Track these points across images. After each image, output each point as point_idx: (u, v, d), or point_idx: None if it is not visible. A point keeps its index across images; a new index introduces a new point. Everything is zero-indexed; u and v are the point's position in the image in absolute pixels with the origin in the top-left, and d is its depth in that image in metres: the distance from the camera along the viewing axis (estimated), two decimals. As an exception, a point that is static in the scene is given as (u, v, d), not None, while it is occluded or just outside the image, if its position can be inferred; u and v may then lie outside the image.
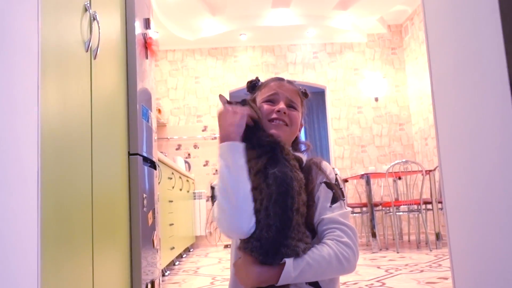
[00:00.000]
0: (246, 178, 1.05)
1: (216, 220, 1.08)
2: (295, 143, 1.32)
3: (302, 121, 1.32)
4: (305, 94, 1.33)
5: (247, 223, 1.02)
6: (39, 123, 1.05)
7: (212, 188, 1.48)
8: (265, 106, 1.24)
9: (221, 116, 1.15)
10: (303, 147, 1.33)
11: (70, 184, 1.29)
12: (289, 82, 1.31)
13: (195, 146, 6.11)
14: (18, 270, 0.91)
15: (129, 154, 2.06)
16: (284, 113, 1.22)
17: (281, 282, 1.01)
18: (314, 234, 1.12)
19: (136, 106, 2.10)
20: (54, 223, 1.14)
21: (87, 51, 1.50)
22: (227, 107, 1.15)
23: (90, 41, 1.51)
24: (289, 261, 1.01)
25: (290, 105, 1.25)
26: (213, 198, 1.49)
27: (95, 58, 1.58)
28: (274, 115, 1.22)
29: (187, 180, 4.98)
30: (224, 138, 1.11)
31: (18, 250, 0.92)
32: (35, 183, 1.00)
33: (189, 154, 6.08)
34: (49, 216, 1.09)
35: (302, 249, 1.03)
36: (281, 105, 1.23)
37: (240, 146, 1.09)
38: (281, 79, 1.31)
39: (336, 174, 1.21)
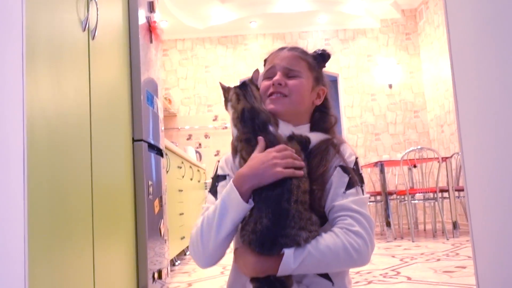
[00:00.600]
0: (231, 237, 1.01)
1: (190, 239, 1.05)
2: (319, 118, 1.16)
3: (322, 87, 1.16)
4: (319, 56, 1.17)
5: (208, 265, 1.04)
6: (25, 106, 0.98)
7: (217, 168, 1.40)
8: (264, 83, 1.14)
9: (262, 157, 0.98)
10: (331, 120, 1.17)
11: (65, 172, 1.23)
12: (292, 48, 1.16)
13: (206, 136, 6.06)
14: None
15: (134, 140, 2.00)
16: (280, 84, 1.09)
17: (280, 273, 0.94)
18: (325, 220, 1.04)
19: (140, 91, 2.03)
20: (45, 213, 1.09)
21: (84, 30, 1.43)
22: (274, 154, 0.98)
23: (87, 20, 1.44)
24: (288, 252, 0.93)
25: (289, 74, 1.11)
26: (214, 178, 1.38)
27: (93, 39, 1.51)
28: (271, 90, 1.11)
29: (198, 170, 4.93)
30: (243, 182, 0.97)
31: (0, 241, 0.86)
32: (20, 171, 0.94)
33: (200, 144, 6.03)
34: (38, 205, 1.03)
35: (304, 238, 0.94)
36: (276, 77, 1.11)
37: (248, 208, 0.98)
38: (281, 49, 1.18)
39: (356, 158, 1.10)
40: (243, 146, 1.04)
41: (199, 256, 1.02)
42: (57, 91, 1.20)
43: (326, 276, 1.01)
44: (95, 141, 1.49)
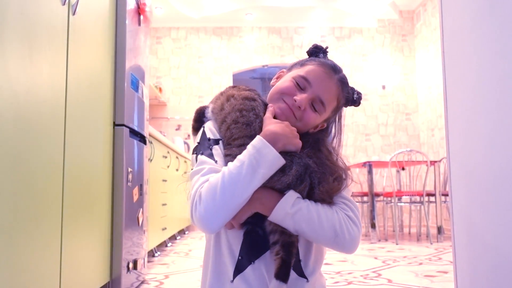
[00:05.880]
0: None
1: (202, 198, 0.91)
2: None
3: (324, 124, 1.11)
4: (350, 102, 1.11)
5: (221, 225, 0.91)
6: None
7: (199, 113, 1.14)
8: (289, 83, 1.05)
9: (284, 125, 0.98)
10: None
11: (33, 152, 1.16)
12: (341, 81, 1.07)
13: (196, 127, 5.97)
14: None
15: (115, 124, 1.93)
16: (299, 107, 1.02)
17: (276, 211, 0.91)
18: None
19: (124, 74, 1.96)
20: (7, 195, 1.02)
21: (63, 4, 1.36)
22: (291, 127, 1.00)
23: (68, -6, 1.37)
24: (292, 192, 0.92)
25: (315, 105, 1.04)
26: (206, 141, 1.01)
27: (74, 14, 1.44)
28: (290, 101, 1.03)
29: (185, 161, 4.86)
30: (276, 140, 0.94)
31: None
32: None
33: (189, 135, 5.96)
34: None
35: None
36: (301, 97, 1.02)
37: (281, 165, 0.94)
38: (334, 72, 1.06)
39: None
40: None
41: (215, 216, 0.90)
42: (28, 66, 1.13)
43: (300, 272, 0.97)
44: (71, 122, 1.42)
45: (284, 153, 0.94)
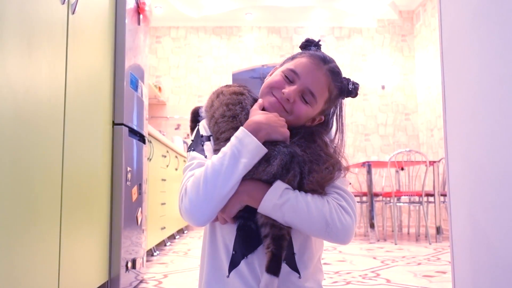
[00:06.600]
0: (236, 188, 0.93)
1: (187, 193, 0.92)
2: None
3: (322, 116, 1.10)
4: (346, 93, 1.09)
5: (208, 219, 0.93)
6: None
7: (194, 113, 1.15)
8: (279, 78, 1.04)
9: (271, 115, 0.98)
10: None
11: (32, 151, 1.16)
12: (330, 71, 1.05)
13: (195, 127, 5.97)
14: None
15: (114, 123, 1.93)
16: (288, 100, 1.01)
17: (264, 202, 0.91)
18: None
19: (123, 73, 1.96)
20: (5, 194, 1.02)
21: (63, 3, 1.35)
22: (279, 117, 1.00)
23: (67, -7, 1.37)
24: (280, 183, 0.92)
25: (305, 96, 1.02)
26: (199, 138, 1.06)
27: (73, 13, 1.43)
28: (278, 95, 1.03)
29: (184, 161, 4.86)
30: (258, 129, 0.93)
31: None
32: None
33: (188, 135, 5.96)
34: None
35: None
36: (289, 90, 1.01)
37: (263, 153, 0.93)
38: (323, 62, 1.05)
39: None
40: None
41: (200, 209, 0.91)
42: (27, 65, 1.13)
43: (294, 267, 0.96)
44: (70, 121, 1.42)
45: (270, 143, 0.94)
